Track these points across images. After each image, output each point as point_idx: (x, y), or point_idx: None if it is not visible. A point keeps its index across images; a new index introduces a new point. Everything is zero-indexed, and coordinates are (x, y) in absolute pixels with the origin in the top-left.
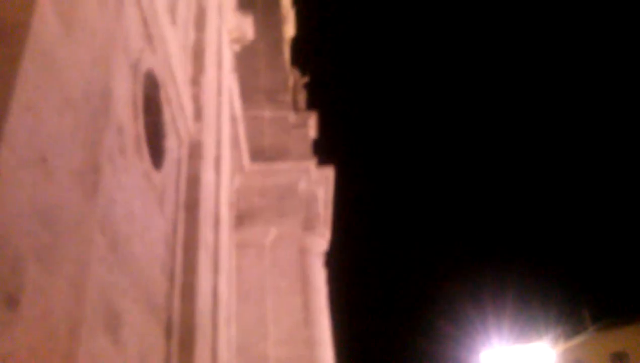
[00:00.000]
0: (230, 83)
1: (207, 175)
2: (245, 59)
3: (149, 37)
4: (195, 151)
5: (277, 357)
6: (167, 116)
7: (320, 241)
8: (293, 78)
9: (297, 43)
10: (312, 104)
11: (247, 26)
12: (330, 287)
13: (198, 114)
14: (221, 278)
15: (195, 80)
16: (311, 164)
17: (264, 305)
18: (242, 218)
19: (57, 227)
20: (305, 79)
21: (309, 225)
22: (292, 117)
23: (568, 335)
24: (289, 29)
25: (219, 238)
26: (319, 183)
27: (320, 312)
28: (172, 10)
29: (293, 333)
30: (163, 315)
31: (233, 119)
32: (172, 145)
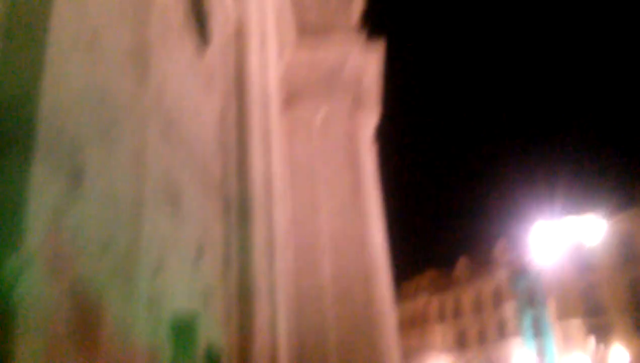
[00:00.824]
0: None
1: (254, 53)
2: None
3: None
4: (241, 29)
5: (330, 228)
6: None
7: (370, 117)
8: None
9: None
10: None
11: None
12: (381, 161)
13: None
14: (274, 156)
15: None
16: (359, 39)
17: (315, 181)
18: (290, 97)
19: (113, 105)
20: None
21: (358, 102)
22: None
23: (620, 208)
24: None
25: (269, 116)
26: (367, 59)
27: (370, 186)
28: None
29: (344, 207)
30: (220, 192)
31: None
32: (217, 24)
